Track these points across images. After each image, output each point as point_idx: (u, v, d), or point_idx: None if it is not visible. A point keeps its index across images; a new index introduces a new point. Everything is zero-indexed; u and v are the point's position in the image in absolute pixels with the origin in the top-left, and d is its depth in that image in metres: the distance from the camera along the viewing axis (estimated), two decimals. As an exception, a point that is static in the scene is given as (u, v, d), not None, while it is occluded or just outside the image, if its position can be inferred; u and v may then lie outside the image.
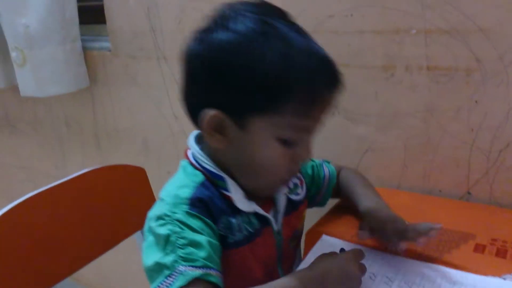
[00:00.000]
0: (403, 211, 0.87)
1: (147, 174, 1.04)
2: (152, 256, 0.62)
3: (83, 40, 1.45)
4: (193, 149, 0.70)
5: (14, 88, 1.56)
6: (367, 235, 0.74)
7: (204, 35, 0.63)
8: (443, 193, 0.95)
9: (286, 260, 0.77)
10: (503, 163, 0.87)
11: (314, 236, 0.80)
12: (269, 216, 0.71)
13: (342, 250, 0.70)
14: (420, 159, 0.96)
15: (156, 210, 0.65)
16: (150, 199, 1.02)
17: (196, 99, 0.66)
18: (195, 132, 0.73)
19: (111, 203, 0.98)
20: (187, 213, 0.62)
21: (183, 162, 0.71)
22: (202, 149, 0.70)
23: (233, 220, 0.67)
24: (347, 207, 0.86)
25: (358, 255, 0.67)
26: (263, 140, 0.63)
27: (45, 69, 1.42)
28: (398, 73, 0.93)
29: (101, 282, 1.84)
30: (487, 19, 0.82)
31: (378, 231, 0.73)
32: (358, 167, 1.02)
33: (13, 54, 1.45)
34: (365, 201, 0.80)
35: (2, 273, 0.78)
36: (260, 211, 0.70)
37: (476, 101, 0.87)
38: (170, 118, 1.33)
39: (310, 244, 0.80)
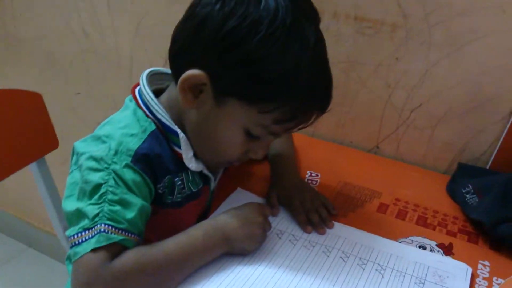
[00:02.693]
0: (316, 158, 0.86)
1: (52, 93, 0.91)
2: (75, 198, 0.55)
3: None
4: (145, 91, 0.61)
5: None
6: (277, 207, 0.71)
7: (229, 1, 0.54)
8: (353, 144, 0.94)
9: (204, 217, 0.73)
10: (413, 122, 0.87)
11: (228, 183, 0.76)
12: (211, 175, 0.68)
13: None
14: (336, 109, 0.91)
15: (91, 148, 0.57)
16: (47, 128, 0.91)
17: (190, 55, 0.57)
18: (149, 70, 0.64)
19: (1, 131, 0.85)
20: (128, 166, 0.56)
21: (131, 102, 0.62)
22: (157, 96, 0.62)
23: (177, 181, 0.62)
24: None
25: (262, 209, 0.64)
26: (232, 123, 0.59)
27: None
28: (326, 19, 0.86)
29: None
30: (420, -26, 0.76)
31: (286, 204, 0.71)
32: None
33: None
34: (275, 166, 0.78)
35: None
36: (206, 171, 0.66)
37: (397, 58, 0.83)
38: (80, 34, 1.16)
39: (223, 193, 0.76)
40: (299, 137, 0.95)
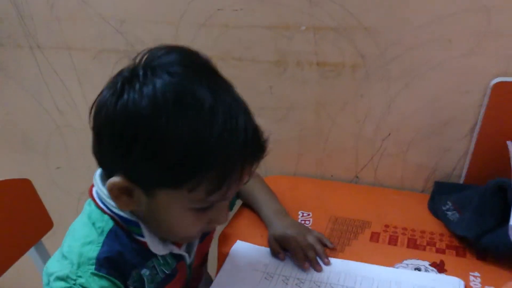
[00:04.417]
0: (303, 196, 0.90)
1: (32, 170, 0.91)
2: None
3: None
4: (100, 192, 0.60)
5: None
6: (282, 253, 0.74)
7: (111, 95, 0.53)
8: (334, 177, 0.99)
9: (193, 282, 0.74)
10: (385, 150, 0.92)
11: (226, 239, 0.79)
12: (184, 253, 0.66)
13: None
14: (313, 148, 0.97)
15: (57, 268, 0.57)
16: (40, 211, 0.92)
17: (105, 158, 0.57)
18: (100, 170, 0.62)
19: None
20: (93, 274, 0.55)
21: (88, 204, 0.62)
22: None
23: (145, 272, 0.60)
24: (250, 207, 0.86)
25: None
26: (173, 208, 0.56)
27: None
28: (290, 68, 0.91)
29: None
30: (369, 18, 0.83)
31: (284, 244, 0.75)
32: (256, 158, 1.01)
33: None
34: (264, 209, 0.81)
35: None
36: (176, 250, 0.64)
37: (361, 95, 0.89)
38: (54, 112, 1.18)
39: (222, 246, 0.79)
40: (283, 178, 0.99)
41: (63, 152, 1.23)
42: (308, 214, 0.85)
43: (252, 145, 0.54)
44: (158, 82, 0.51)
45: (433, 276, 0.70)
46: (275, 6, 0.87)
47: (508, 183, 0.69)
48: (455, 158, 0.88)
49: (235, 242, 0.78)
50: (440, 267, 0.72)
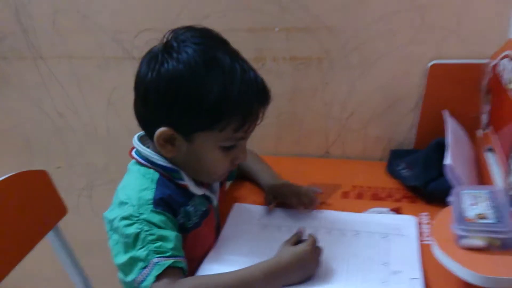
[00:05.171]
0: (284, 171, 1.07)
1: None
2: (123, 252, 0.68)
3: None
4: (142, 149, 0.75)
5: None
6: (273, 204, 0.91)
7: (153, 65, 0.68)
8: (309, 154, 1.17)
9: (220, 229, 0.89)
10: (350, 127, 1.11)
11: (224, 204, 0.95)
12: (211, 194, 0.82)
13: (298, 235, 0.78)
14: (290, 130, 1.15)
15: (120, 211, 0.70)
16: (55, 199, 1.04)
17: (150, 118, 0.72)
18: (136, 135, 0.78)
19: (19, 211, 0.96)
20: (152, 211, 0.69)
21: (132, 165, 0.77)
22: (150, 148, 0.76)
23: (189, 208, 0.76)
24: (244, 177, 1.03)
25: (313, 241, 0.75)
26: (207, 149, 0.72)
27: None
28: (268, 63, 1.09)
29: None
30: (330, 19, 1.01)
31: (280, 197, 0.91)
32: (242, 142, 1.17)
33: None
34: (264, 176, 0.97)
35: None
36: (207, 192, 0.81)
37: (327, 83, 1.08)
38: (54, 115, 1.31)
39: (223, 212, 0.94)
40: (265, 157, 1.16)
41: (63, 153, 1.36)
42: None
43: (262, 91, 0.73)
44: (189, 50, 0.67)
45: (393, 216, 0.88)
46: (253, 12, 1.05)
47: (444, 140, 0.89)
48: (405, 129, 1.08)
49: (233, 205, 0.94)
50: (397, 211, 0.90)
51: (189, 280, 0.68)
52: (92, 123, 1.28)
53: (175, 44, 0.69)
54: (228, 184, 1.02)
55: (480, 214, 0.66)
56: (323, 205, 0.94)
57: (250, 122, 0.72)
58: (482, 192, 0.72)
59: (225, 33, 1.07)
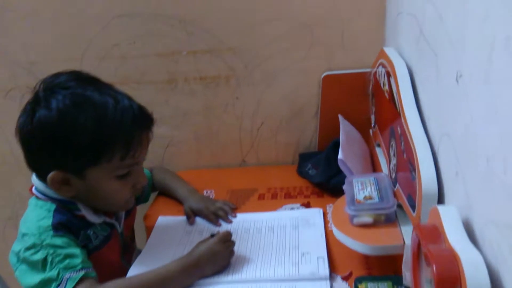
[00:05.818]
0: (205, 182, 1.14)
1: None
2: (32, 277, 0.72)
3: None
4: (40, 186, 0.79)
5: None
6: (192, 218, 0.97)
7: (26, 117, 0.73)
8: (228, 164, 1.25)
9: (127, 252, 0.93)
10: (261, 136, 1.22)
11: (150, 218, 1.00)
12: (114, 221, 0.86)
13: (212, 235, 0.84)
14: (207, 144, 1.23)
15: (23, 243, 0.74)
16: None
17: (38, 166, 0.77)
18: (34, 174, 0.81)
19: None
20: (54, 236, 0.74)
21: (32, 200, 0.81)
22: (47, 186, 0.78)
23: (89, 232, 0.80)
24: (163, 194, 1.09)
25: (225, 236, 0.81)
26: (103, 181, 0.76)
27: None
28: (180, 84, 1.17)
29: None
30: (232, 41, 1.11)
31: (199, 213, 0.98)
32: (163, 158, 1.23)
33: None
34: (181, 192, 1.03)
35: None
36: (107, 219, 0.84)
37: (237, 97, 1.18)
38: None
39: (148, 222, 1.00)
40: (187, 172, 1.23)
41: None
42: (211, 191, 1.10)
43: (139, 116, 0.77)
44: (58, 96, 0.72)
45: (302, 210, 0.99)
46: (161, 38, 1.12)
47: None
48: (309, 134, 1.20)
49: (158, 218, 1.00)
50: (307, 205, 1.01)
51: (109, 283, 0.72)
52: (12, 154, 1.28)
53: (42, 94, 0.73)
54: (149, 201, 1.08)
55: (367, 196, 0.78)
56: (242, 207, 1.02)
57: (135, 148, 0.76)
58: (369, 178, 0.84)
59: (136, 58, 1.16)
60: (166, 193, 1.08)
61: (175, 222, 0.98)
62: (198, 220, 0.98)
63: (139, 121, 0.77)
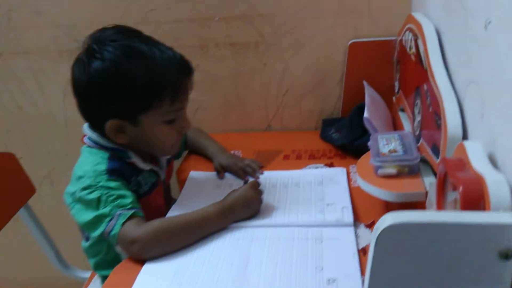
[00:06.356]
0: (232, 144, 1.19)
1: None
2: (87, 214, 0.78)
3: None
4: (93, 136, 0.85)
5: None
6: (222, 173, 1.02)
7: (83, 68, 0.79)
8: (254, 129, 1.30)
9: (168, 199, 1.00)
10: (286, 103, 1.26)
11: (182, 173, 1.05)
12: (159, 169, 0.93)
13: (245, 182, 0.91)
14: (234, 109, 1.28)
15: (79, 184, 0.80)
16: (24, 179, 1.10)
17: (95, 116, 0.83)
18: (86, 124, 0.88)
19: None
20: (108, 179, 0.80)
21: (85, 148, 0.87)
22: (100, 135, 0.85)
23: (140, 178, 0.87)
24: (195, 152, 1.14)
25: (254, 184, 0.87)
26: (153, 127, 0.83)
27: None
28: (211, 49, 1.21)
29: None
30: (263, 7, 1.15)
31: (228, 169, 1.03)
32: (192, 122, 1.28)
33: None
34: (211, 149, 1.08)
35: None
36: (154, 168, 0.91)
37: (264, 64, 1.22)
38: (13, 108, 1.35)
39: (181, 176, 1.05)
40: (214, 135, 1.27)
41: (23, 143, 1.40)
42: (239, 152, 1.15)
43: (183, 64, 0.84)
44: (108, 48, 0.78)
45: (326, 169, 1.03)
46: (195, 4, 1.17)
47: (364, 104, 1.04)
48: (333, 101, 1.24)
49: (189, 172, 1.05)
50: (330, 165, 1.05)
51: (154, 221, 0.78)
52: (51, 114, 1.34)
53: (95, 46, 0.79)
54: (181, 157, 1.13)
55: (391, 149, 0.82)
56: (268, 166, 1.07)
57: (182, 93, 0.83)
58: (393, 135, 0.88)
59: (170, 23, 1.20)
60: (197, 151, 1.13)
61: (206, 177, 1.03)
62: (227, 175, 1.03)
63: (183, 68, 0.83)
